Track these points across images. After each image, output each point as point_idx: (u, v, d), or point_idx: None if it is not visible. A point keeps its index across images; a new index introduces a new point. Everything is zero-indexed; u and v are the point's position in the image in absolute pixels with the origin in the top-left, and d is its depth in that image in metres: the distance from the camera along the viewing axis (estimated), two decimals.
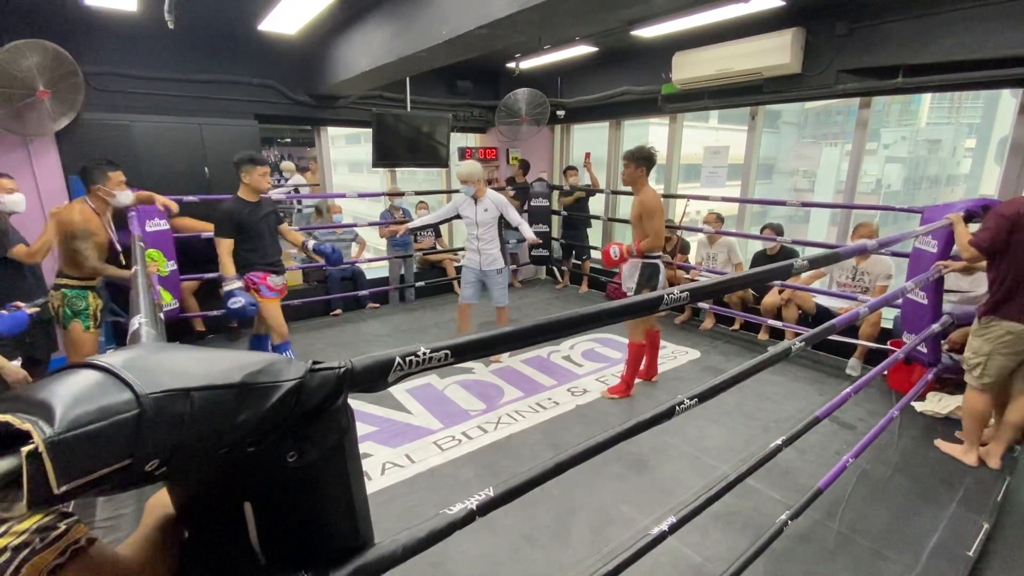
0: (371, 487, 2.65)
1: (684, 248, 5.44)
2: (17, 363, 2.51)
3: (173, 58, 4.42)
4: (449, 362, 0.81)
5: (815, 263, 1.59)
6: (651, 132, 9.07)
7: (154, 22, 3.59)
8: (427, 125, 5.65)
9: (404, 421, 3.32)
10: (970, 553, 2.10)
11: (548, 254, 6.53)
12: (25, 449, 0.41)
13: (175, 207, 3.57)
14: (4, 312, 2.53)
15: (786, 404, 3.53)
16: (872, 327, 3.88)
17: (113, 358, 0.51)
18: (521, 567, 2.13)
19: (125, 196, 3.12)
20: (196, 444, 0.51)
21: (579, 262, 6.47)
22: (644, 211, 3.38)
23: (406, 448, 3.02)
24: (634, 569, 1.36)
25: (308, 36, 4.46)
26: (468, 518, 0.92)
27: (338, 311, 5.57)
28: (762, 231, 4.62)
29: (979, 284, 3.38)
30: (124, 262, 3.15)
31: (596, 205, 6.63)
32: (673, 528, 1.46)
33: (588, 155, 6.21)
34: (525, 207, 6.41)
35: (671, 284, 5.28)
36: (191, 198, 4.28)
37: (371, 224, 6.02)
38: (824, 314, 4.28)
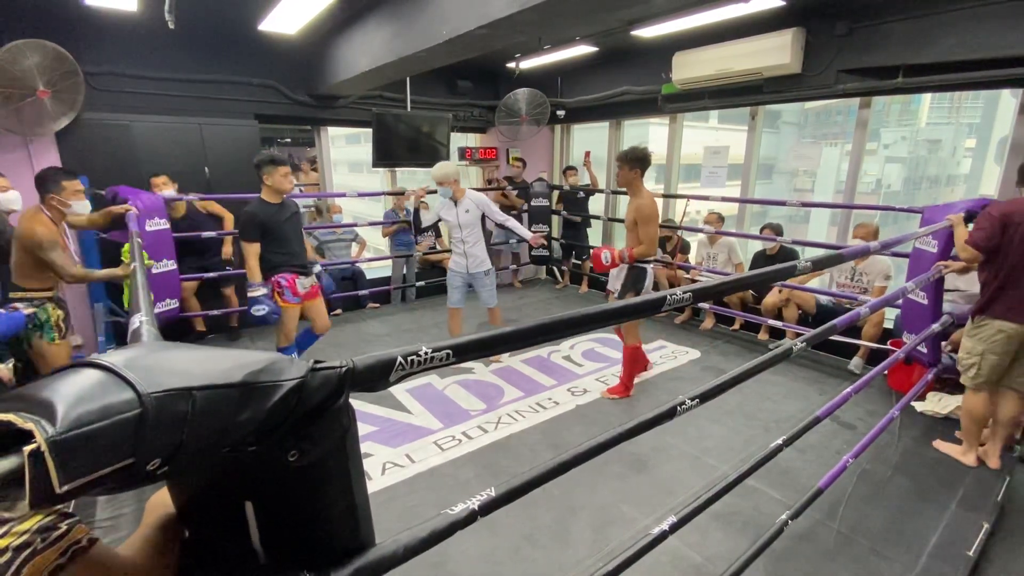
0: (372, 487, 2.65)
1: (684, 248, 5.44)
2: (9, 364, 2.51)
3: (173, 58, 4.42)
4: (451, 362, 0.81)
5: (819, 264, 1.59)
6: (651, 132, 9.07)
7: (154, 22, 3.59)
8: (427, 125, 5.65)
9: (404, 421, 3.32)
10: (970, 553, 2.10)
11: (548, 254, 6.54)
12: (27, 448, 0.41)
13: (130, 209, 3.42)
14: (2, 311, 2.53)
15: (786, 404, 3.53)
16: (875, 327, 3.88)
17: (115, 357, 0.51)
18: (522, 567, 2.13)
19: (81, 206, 2.99)
20: (198, 443, 0.51)
21: (579, 262, 6.47)
22: (640, 217, 3.33)
23: (406, 448, 3.02)
24: (634, 569, 1.36)
25: (308, 36, 4.46)
26: (470, 518, 0.92)
27: (338, 311, 5.57)
28: (761, 231, 4.62)
29: (976, 283, 3.39)
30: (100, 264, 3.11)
31: (596, 205, 6.64)
32: (674, 528, 1.46)
33: (588, 154, 6.22)
34: (525, 207, 6.41)
35: (671, 284, 5.29)
36: (191, 197, 4.29)
37: (371, 224, 6.02)
38: (825, 314, 4.28)
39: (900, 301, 3.32)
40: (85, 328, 4.37)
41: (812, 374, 4.02)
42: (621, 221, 5.89)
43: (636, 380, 3.78)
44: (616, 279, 3.55)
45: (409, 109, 5.65)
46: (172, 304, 4.06)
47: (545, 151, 7.34)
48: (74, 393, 0.46)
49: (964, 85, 3.74)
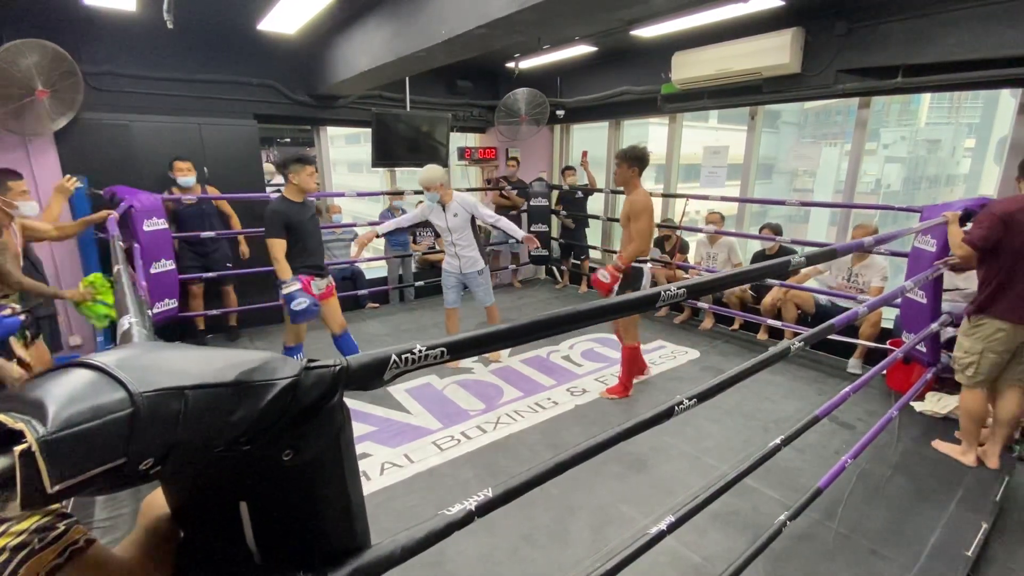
0: (370, 487, 2.65)
1: (683, 248, 5.44)
2: (13, 361, 2.50)
3: (172, 58, 4.41)
4: (445, 360, 0.80)
5: (813, 260, 1.59)
6: (651, 132, 9.07)
7: (153, 22, 3.58)
8: (427, 125, 5.65)
9: (403, 421, 3.32)
10: (969, 553, 2.10)
11: (548, 254, 6.54)
12: (18, 448, 0.41)
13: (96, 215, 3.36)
14: None
15: (785, 404, 3.53)
16: (872, 327, 3.88)
17: (107, 357, 0.51)
18: (520, 567, 2.13)
19: (28, 207, 2.92)
20: (191, 443, 0.51)
21: (578, 262, 6.47)
22: (632, 212, 3.34)
23: (405, 448, 3.01)
24: (633, 569, 1.36)
25: (307, 36, 4.46)
26: (467, 519, 0.92)
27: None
28: (760, 231, 4.62)
29: (975, 282, 3.39)
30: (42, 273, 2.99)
31: (595, 205, 6.64)
32: (672, 528, 1.46)
33: (585, 154, 6.22)
34: (524, 207, 6.42)
35: (670, 283, 5.28)
36: (190, 198, 4.29)
37: (371, 224, 6.01)
38: (824, 314, 4.28)
39: (899, 300, 3.32)
40: (84, 328, 4.37)
41: (811, 374, 4.02)
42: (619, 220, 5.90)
43: (635, 381, 3.77)
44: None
45: (408, 109, 5.65)
46: (171, 304, 4.06)
47: (545, 151, 7.34)
48: (65, 393, 0.46)
49: (963, 85, 3.74)
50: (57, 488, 0.43)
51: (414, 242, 6.27)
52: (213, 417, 0.52)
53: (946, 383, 3.41)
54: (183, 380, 0.51)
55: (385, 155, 5.46)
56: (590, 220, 6.40)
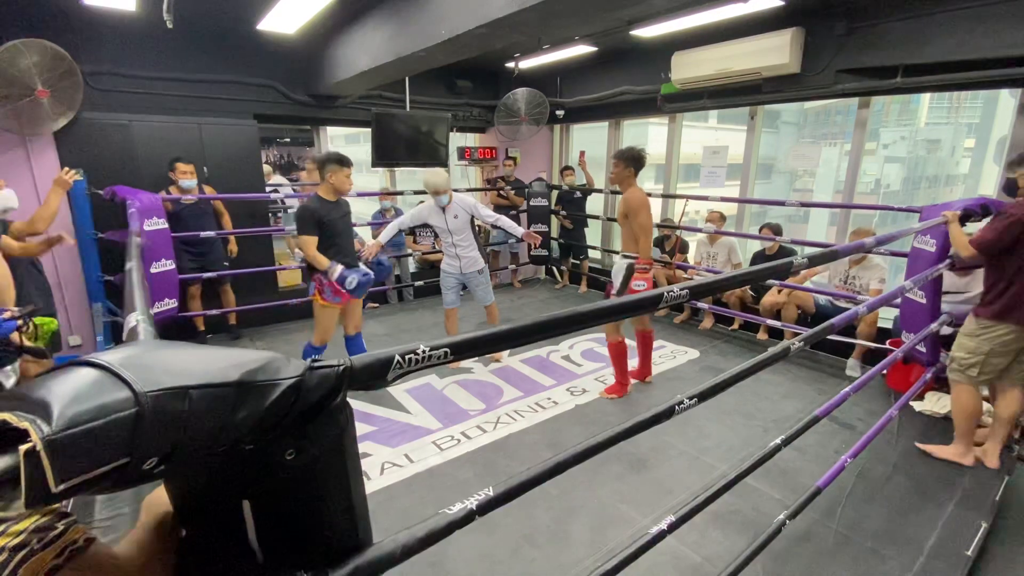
0: (370, 487, 2.65)
1: (683, 248, 5.44)
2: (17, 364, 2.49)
3: (172, 58, 4.41)
4: (448, 360, 0.81)
5: (814, 260, 1.60)
6: (650, 132, 9.07)
7: (153, 21, 3.58)
8: (426, 125, 5.65)
9: (403, 421, 3.32)
10: (969, 552, 2.10)
11: (547, 254, 6.54)
12: (23, 447, 0.41)
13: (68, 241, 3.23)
14: None
15: (785, 404, 3.53)
16: (869, 327, 3.88)
17: (111, 356, 0.51)
18: (520, 567, 2.13)
19: (3, 197, 2.94)
20: (194, 442, 0.51)
21: (578, 261, 6.47)
22: (630, 208, 3.37)
23: (405, 448, 3.02)
24: (633, 568, 1.36)
25: (307, 35, 4.46)
26: (467, 518, 0.92)
27: None
28: (761, 231, 4.63)
29: (975, 284, 3.38)
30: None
31: (595, 205, 6.64)
32: (672, 527, 1.46)
33: (583, 154, 6.23)
34: (524, 207, 6.42)
35: (670, 284, 5.29)
36: (189, 197, 4.28)
37: (369, 224, 6.01)
38: (824, 315, 4.28)
39: (898, 300, 3.32)
40: (84, 328, 4.37)
41: (811, 374, 4.02)
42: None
43: (632, 381, 3.78)
44: (616, 275, 3.56)
45: (408, 109, 5.65)
46: (171, 304, 4.06)
47: (544, 151, 7.34)
48: (70, 392, 0.46)
49: (963, 85, 3.74)
50: (62, 487, 0.43)
51: (414, 242, 6.27)
52: (216, 417, 0.52)
53: (945, 383, 3.41)
54: (187, 380, 0.51)
55: (385, 155, 5.46)
56: (589, 220, 6.40)
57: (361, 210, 13.61)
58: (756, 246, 4.88)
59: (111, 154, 4.23)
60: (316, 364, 0.64)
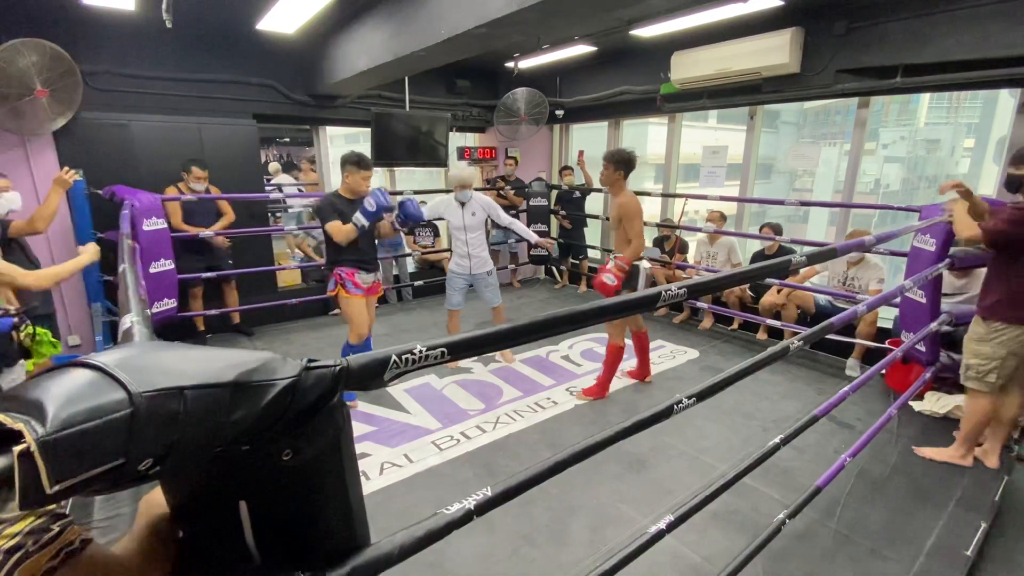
0: (369, 487, 2.65)
1: (683, 248, 5.44)
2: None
3: (171, 57, 4.41)
4: (445, 360, 0.80)
5: (812, 259, 1.59)
6: (650, 132, 9.06)
7: (152, 21, 3.58)
8: (426, 124, 5.65)
9: (403, 421, 3.32)
10: (968, 552, 2.10)
11: (547, 254, 6.54)
12: (17, 449, 0.41)
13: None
14: None
15: (784, 403, 3.53)
16: (869, 326, 3.88)
17: (106, 357, 0.51)
18: (519, 567, 2.13)
19: (9, 200, 2.98)
20: (190, 443, 0.51)
21: (577, 261, 6.47)
22: (624, 214, 3.36)
23: (405, 448, 3.01)
24: (632, 568, 1.36)
25: (307, 35, 4.46)
26: (466, 518, 0.92)
27: (337, 311, 5.55)
28: (761, 230, 4.63)
29: (972, 285, 3.38)
30: None
31: (594, 204, 6.64)
32: (671, 527, 1.46)
33: (581, 153, 6.23)
34: (523, 207, 6.41)
35: (669, 283, 5.29)
36: (189, 197, 4.28)
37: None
38: (824, 315, 4.28)
39: (898, 300, 3.32)
40: (83, 328, 4.36)
41: (810, 373, 4.02)
42: None
43: (632, 381, 3.78)
44: None
45: (408, 108, 5.64)
46: (170, 304, 4.06)
47: (544, 151, 7.34)
48: (65, 393, 0.46)
49: (962, 85, 3.74)
50: (56, 488, 0.43)
51: (414, 242, 6.27)
52: (212, 417, 0.52)
53: (945, 382, 3.41)
54: (182, 380, 0.50)
55: (384, 155, 5.46)
56: (588, 220, 6.40)
57: None
58: (756, 246, 4.88)
59: (110, 154, 4.23)
60: (312, 364, 0.63)
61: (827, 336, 1.74)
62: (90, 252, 2.79)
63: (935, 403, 3.30)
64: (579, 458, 1.12)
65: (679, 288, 1.13)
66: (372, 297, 3.46)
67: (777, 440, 1.84)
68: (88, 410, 0.45)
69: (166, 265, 3.98)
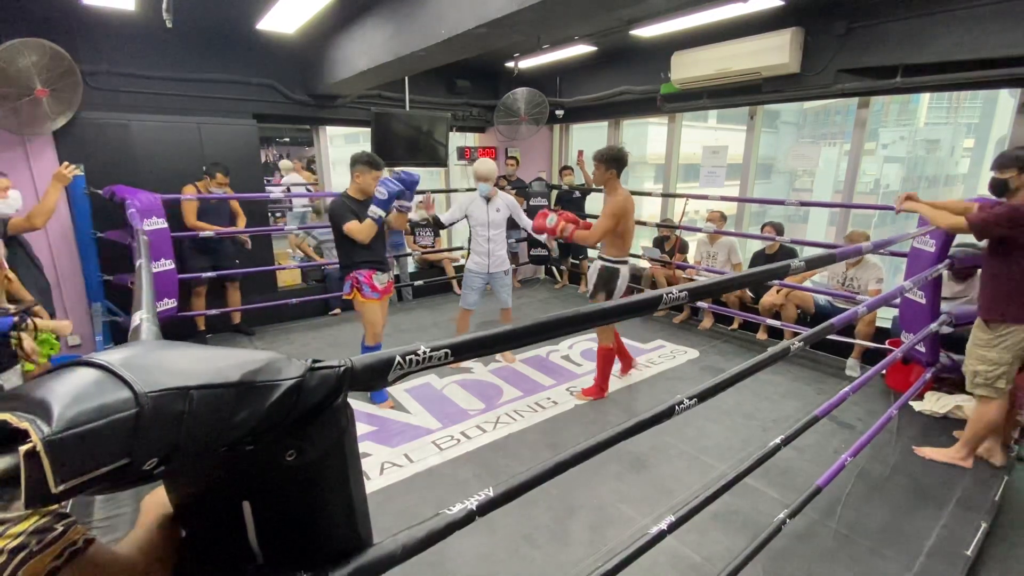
0: (370, 487, 2.65)
1: (683, 248, 5.45)
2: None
3: (171, 57, 4.41)
4: (448, 361, 0.81)
5: (812, 263, 1.60)
6: (650, 132, 9.07)
7: (152, 21, 3.58)
8: (426, 124, 5.65)
9: (403, 421, 3.32)
10: (968, 552, 2.10)
11: (547, 254, 6.54)
12: (23, 448, 0.41)
13: None
14: None
15: (784, 403, 3.53)
16: (867, 326, 3.89)
17: (111, 356, 0.51)
18: (520, 567, 2.13)
19: (9, 203, 3.01)
20: (195, 443, 0.51)
21: (577, 261, 6.47)
22: (603, 210, 3.36)
23: (405, 448, 3.01)
24: (633, 568, 1.36)
25: (307, 35, 4.46)
26: (468, 518, 0.92)
27: (337, 310, 5.56)
28: (763, 229, 4.63)
29: (972, 290, 3.39)
30: None
31: (594, 204, 6.63)
32: (672, 527, 1.46)
33: (580, 153, 6.23)
34: (524, 207, 6.41)
35: (669, 284, 5.29)
36: (188, 197, 4.28)
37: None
38: (824, 315, 4.28)
39: (898, 301, 3.32)
40: (83, 327, 4.36)
41: (810, 373, 4.02)
42: None
43: (627, 380, 3.78)
44: (591, 278, 3.56)
45: (408, 108, 5.65)
46: (171, 304, 4.05)
47: (544, 151, 7.34)
48: (70, 392, 0.46)
49: (962, 85, 3.74)
50: (61, 488, 0.43)
51: (414, 242, 6.27)
52: (217, 417, 0.52)
53: (944, 383, 3.42)
54: (188, 380, 0.51)
55: (384, 154, 5.44)
56: (589, 220, 6.39)
57: None
58: (756, 246, 4.88)
59: (110, 154, 4.23)
60: (317, 365, 0.63)
61: (827, 336, 1.74)
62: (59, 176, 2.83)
63: (935, 403, 3.31)
64: (581, 459, 1.12)
65: (681, 291, 1.13)
66: (386, 297, 3.45)
67: (778, 441, 1.84)
68: (94, 409, 0.45)
69: (166, 265, 3.98)
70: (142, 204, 3.79)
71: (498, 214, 3.87)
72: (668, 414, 1.24)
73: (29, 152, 3.96)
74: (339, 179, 6.41)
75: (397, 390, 3.69)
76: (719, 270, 4.92)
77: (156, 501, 0.80)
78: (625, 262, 3.46)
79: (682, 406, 1.26)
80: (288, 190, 7.01)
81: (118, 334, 4.26)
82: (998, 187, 2.45)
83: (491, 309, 4.31)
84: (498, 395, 3.67)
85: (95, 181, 4.04)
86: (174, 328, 4.39)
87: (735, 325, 4.98)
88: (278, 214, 7.99)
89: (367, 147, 5.41)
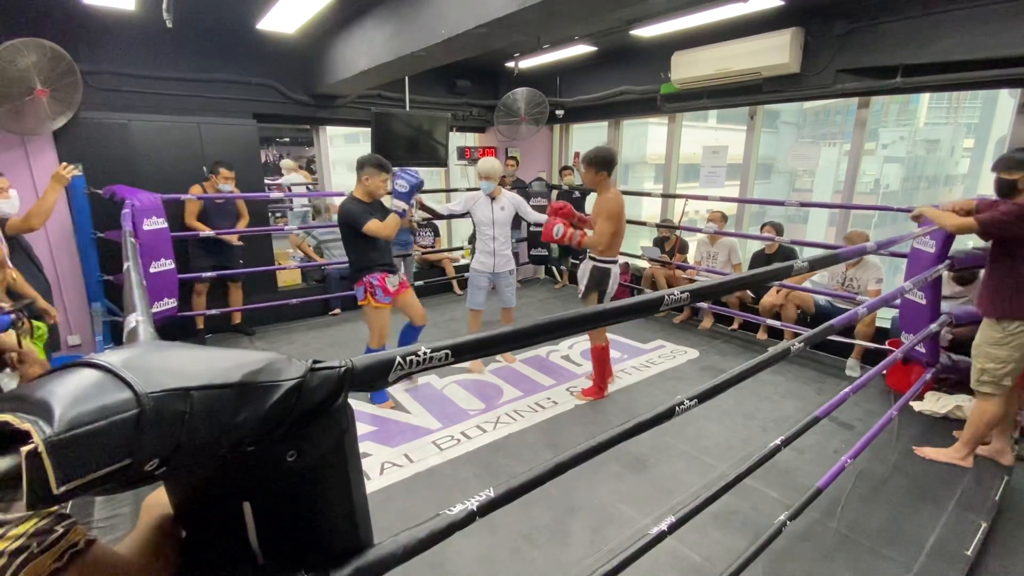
0: (370, 487, 2.65)
1: (683, 248, 5.45)
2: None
3: (171, 57, 4.41)
4: (449, 362, 0.81)
5: (815, 264, 1.60)
6: (650, 132, 9.08)
7: (152, 21, 3.58)
8: (426, 124, 5.65)
9: (403, 421, 3.32)
10: (968, 552, 2.10)
11: (547, 254, 6.54)
12: (25, 449, 0.41)
13: None
14: None
15: (785, 404, 3.53)
16: (867, 326, 3.89)
17: (112, 357, 0.51)
18: (520, 567, 2.13)
19: (9, 204, 3.00)
20: (196, 443, 0.51)
21: (577, 261, 6.46)
22: (598, 212, 3.35)
23: (405, 448, 3.01)
24: (633, 569, 1.36)
25: (307, 35, 4.46)
26: (468, 519, 0.92)
27: (337, 310, 5.56)
28: (762, 229, 4.62)
29: (974, 290, 3.38)
30: None
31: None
32: (672, 528, 1.46)
33: (578, 155, 6.24)
34: None
35: (670, 284, 5.29)
36: (188, 197, 4.28)
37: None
38: (824, 315, 4.28)
39: (898, 301, 3.32)
40: (83, 327, 4.36)
41: (810, 374, 4.02)
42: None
43: (627, 380, 3.78)
44: (583, 279, 3.56)
45: (408, 108, 5.65)
46: (170, 304, 4.05)
47: (544, 151, 7.34)
48: (72, 393, 0.46)
49: (962, 85, 3.75)
50: (63, 489, 0.43)
51: (414, 241, 6.27)
52: (218, 418, 0.52)
53: (944, 383, 3.41)
54: (189, 381, 0.51)
55: (384, 155, 5.41)
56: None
57: None
58: (756, 246, 4.88)
59: (110, 154, 4.23)
60: (317, 365, 0.63)
61: (827, 336, 1.75)
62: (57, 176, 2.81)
63: (935, 403, 3.31)
64: (581, 459, 1.12)
65: (682, 292, 1.13)
66: (405, 292, 3.45)
67: (778, 441, 1.84)
68: (95, 410, 0.45)
69: (166, 265, 3.98)
70: (142, 204, 3.78)
71: (503, 213, 3.85)
72: (668, 415, 1.24)
73: (29, 152, 3.96)
74: (339, 179, 6.42)
75: (397, 390, 3.69)
76: (719, 270, 4.92)
77: (156, 501, 0.80)
78: (615, 261, 3.48)
79: (682, 407, 1.26)
80: (289, 189, 7.02)
81: (118, 334, 4.26)
82: (1005, 188, 2.45)
83: (491, 309, 4.31)
84: (498, 395, 3.67)
85: (95, 181, 4.03)
86: (173, 328, 4.39)
87: (735, 325, 4.98)
88: (279, 214, 8.01)
89: (367, 147, 5.43)
